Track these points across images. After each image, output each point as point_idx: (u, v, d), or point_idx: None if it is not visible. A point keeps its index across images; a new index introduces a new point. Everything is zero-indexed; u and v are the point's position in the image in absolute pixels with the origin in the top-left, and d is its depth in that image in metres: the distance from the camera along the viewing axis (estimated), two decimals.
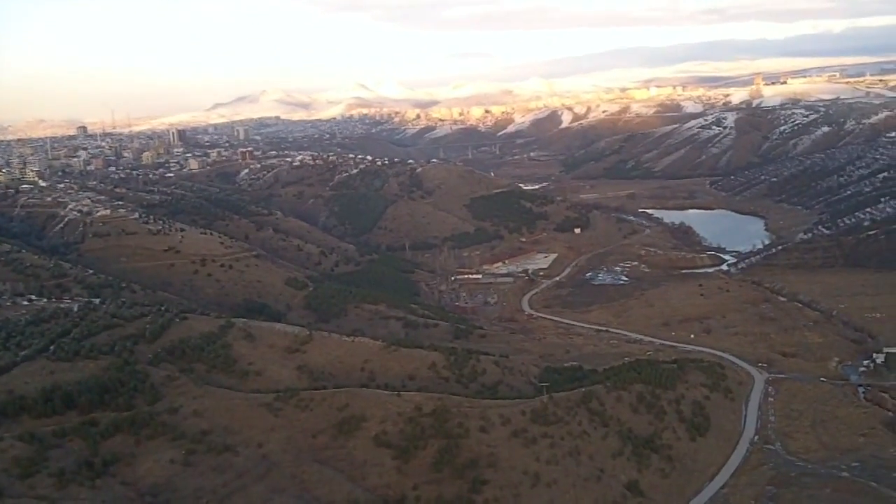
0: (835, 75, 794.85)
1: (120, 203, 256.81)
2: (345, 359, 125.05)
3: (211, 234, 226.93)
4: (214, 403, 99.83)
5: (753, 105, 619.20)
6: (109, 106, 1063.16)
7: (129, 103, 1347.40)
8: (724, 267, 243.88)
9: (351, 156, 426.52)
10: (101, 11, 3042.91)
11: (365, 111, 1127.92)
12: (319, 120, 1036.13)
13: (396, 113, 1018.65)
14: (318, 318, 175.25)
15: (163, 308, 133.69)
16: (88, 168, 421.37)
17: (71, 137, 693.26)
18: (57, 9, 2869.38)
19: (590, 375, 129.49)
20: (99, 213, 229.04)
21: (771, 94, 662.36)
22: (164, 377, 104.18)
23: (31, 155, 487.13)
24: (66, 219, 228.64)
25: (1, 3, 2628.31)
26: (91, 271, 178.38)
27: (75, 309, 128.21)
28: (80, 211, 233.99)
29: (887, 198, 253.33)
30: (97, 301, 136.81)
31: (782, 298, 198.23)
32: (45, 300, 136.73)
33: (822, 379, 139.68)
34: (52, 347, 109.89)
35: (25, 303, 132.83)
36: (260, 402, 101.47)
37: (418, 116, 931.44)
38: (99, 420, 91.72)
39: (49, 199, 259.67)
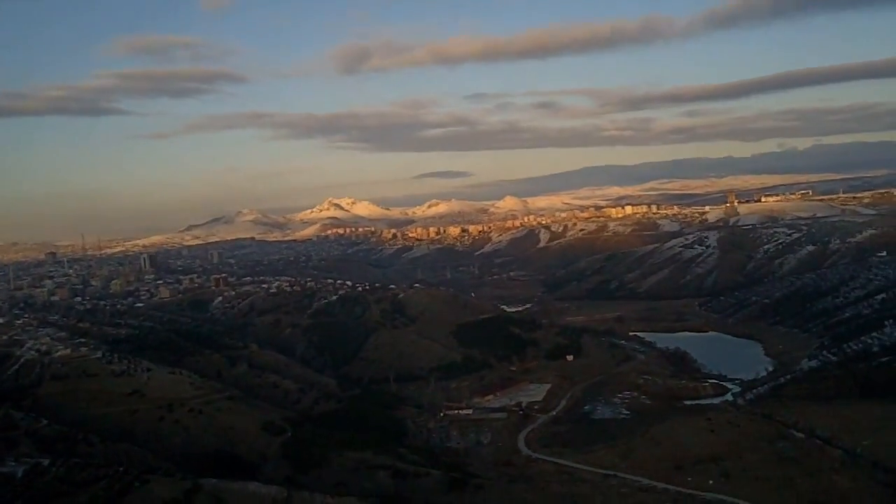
0: (807, 192, 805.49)
1: (83, 340, 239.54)
2: None
3: (180, 372, 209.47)
4: None
5: (731, 223, 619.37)
6: (80, 229, 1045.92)
7: (101, 225, 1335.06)
8: (730, 397, 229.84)
9: (329, 280, 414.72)
10: (74, 135, 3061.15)
11: (340, 231, 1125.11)
12: (295, 241, 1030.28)
13: (372, 232, 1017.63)
14: (297, 469, 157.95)
15: (120, 469, 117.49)
16: (52, 299, 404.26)
17: (38, 264, 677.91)
18: (29, 133, 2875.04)
19: None
20: (58, 353, 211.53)
21: (746, 212, 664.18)
22: None
23: None
24: (23, 359, 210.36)
25: None
26: (45, 421, 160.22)
27: (19, 475, 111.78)
28: (38, 350, 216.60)
29: (891, 321, 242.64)
30: (46, 462, 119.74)
31: (799, 434, 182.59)
32: None
33: None
34: None
35: None
36: None
37: (395, 236, 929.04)
38: None
39: (5, 337, 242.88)
